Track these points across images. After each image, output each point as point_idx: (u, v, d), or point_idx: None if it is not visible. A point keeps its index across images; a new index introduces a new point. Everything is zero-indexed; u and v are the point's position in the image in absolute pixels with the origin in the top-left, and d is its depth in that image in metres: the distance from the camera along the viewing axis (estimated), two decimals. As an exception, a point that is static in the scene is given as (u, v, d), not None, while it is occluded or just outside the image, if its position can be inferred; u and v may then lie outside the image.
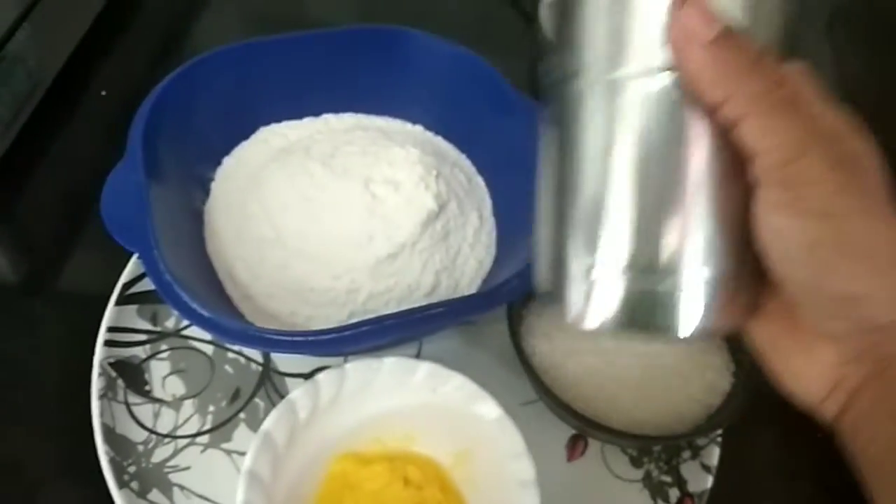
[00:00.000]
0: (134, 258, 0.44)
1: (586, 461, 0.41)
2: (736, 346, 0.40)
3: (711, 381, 0.39)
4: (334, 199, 0.41)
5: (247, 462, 0.35)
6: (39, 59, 0.51)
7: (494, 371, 0.42)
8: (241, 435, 0.40)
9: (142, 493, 0.37)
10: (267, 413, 0.40)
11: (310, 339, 0.34)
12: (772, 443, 0.43)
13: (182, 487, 0.38)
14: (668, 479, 0.40)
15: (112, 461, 0.37)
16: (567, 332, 0.40)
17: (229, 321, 0.34)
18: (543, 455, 0.35)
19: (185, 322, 0.43)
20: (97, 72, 0.57)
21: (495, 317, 0.43)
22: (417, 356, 0.43)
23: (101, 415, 0.39)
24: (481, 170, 0.46)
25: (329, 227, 0.41)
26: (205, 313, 0.34)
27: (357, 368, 0.38)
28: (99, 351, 0.41)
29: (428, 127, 0.48)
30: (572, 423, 0.38)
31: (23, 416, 0.41)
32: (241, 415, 0.41)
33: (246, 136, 0.46)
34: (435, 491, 0.37)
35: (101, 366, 0.40)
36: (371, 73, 0.47)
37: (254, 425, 0.40)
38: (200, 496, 0.38)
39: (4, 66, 0.47)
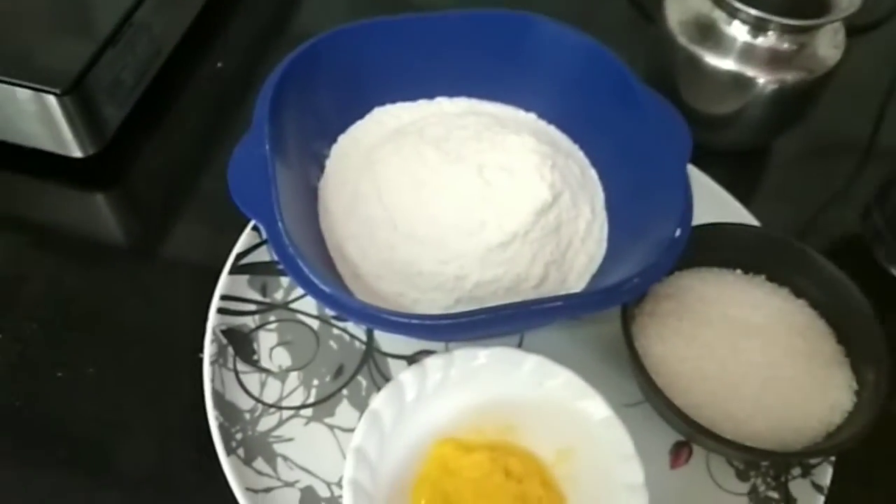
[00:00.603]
0: (247, 229, 0.44)
1: (690, 470, 0.39)
2: (860, 364, 0.38)
3: (833, 398, 0.37)
4: (446, 184, 0.41)
5: (355, 439, 0.35)
6: (163, 28, 0.52)
7: (597, 369, 0.41)
8: (344, 411, 0.40)
9: (247, 461, 0.38)
10: (369, 391, 0.41)
11: (426, 322, 0.34)
12: (889, 465, 0.41)
13: (285, 458, 0.39)
14: (775, 495, 0.38)
15: (221, 427, 0.38)
16: (682, 336, 0.38)
17: (349, 298, 0.34)
18: (645, 460, 0.35)
19: (294, 295, 0.44)
20: (213, 44, 0.58)
21: (600, 316, 0.43)
22: (519, 347, 0.42)
23: (213, 380, 0.39)
24: (595, 162, 0.45)
25: (440, 211, 0.41)
26: (325, 288, 0.34)
27: (463, 356, 0.38)
28: (212, 318, 0.41)
29: (541, 115, 0.47)
30: (681, 428, 0.37)
31: (136, 379, 0.43)
32: (344, 391, 0.41)
33: (361, 116, 0.46)
34: (536, 485, 0.37)
35: (214, 332, 0.41)
36: (488, 58, 0.46)
37: (356, 402, 0.41)
38: (303, 468, 0.38)
39: (132, 32, 0.48)
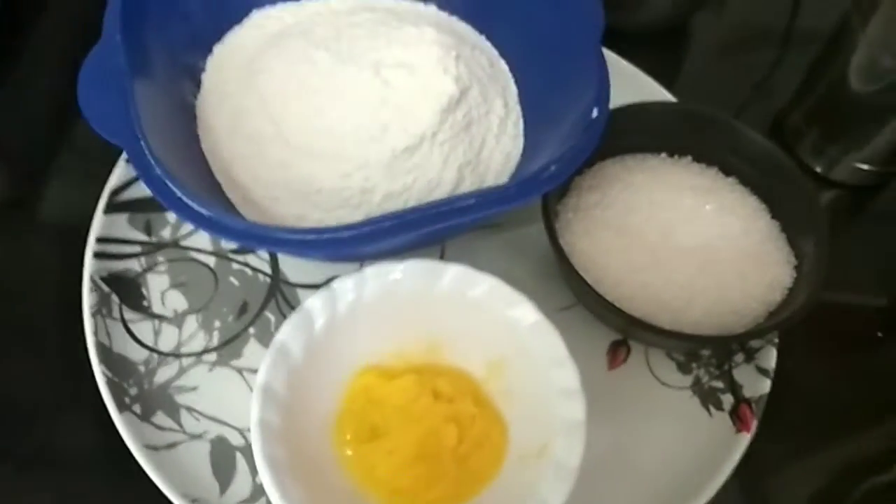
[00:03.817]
0: (121, 161, 0.39)
1: (629, 369, 0.37)
2: (797, 238, 0.36)
3: (772, 275, 0.35)
4: (341, 88, 0.37)
5: (260, 376, 0.31)
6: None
7: (525, 275, 0.38)
8: (253, 351, 0.36)
9: (145, 416, 0.34)
10: (278, 327, 0.37)
11: (324, 236, 0.30)
12: (833, 340, 0.40)
13: (190, 409, 0.35)
14: (719, 384, 0.36)
15: (110, 382, 0.34)
16: (609, 228, 0.36)
17: (232, 219, 0.29)
18: (582, 364, 0.32)
19: (183, 231, 0.39)
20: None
21: (522, 218, 0.40)
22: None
23: (96, 333, 0.35)
24: (504, 54, 0.41)
25: (336, 119, 0.36)
26: (203, 211, 0.29)
27: (377, 273, 0.34)
28: (88, 263, 0.37)
29: (441, 6, 0.42)
30: (616, 324, 0.35)
31: (12, 339, 0.38)
32: (251, 330, 0.37)
33: (238, 21, 0.41)
34: (468, 404, 0.34)
35: (92, 280, 0.36)
36: (376, -54, 0.41)
37: (265, 341, 0.37)
38: (211, 417, 0.35)
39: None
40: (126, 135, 0.31)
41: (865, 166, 0.44)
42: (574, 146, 0.32)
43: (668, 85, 0.45)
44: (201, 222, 0.30)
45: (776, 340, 0.37)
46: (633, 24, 0.47)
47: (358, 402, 0.34)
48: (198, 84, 0.39)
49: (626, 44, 0.43)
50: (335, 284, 0.34)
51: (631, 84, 0.43)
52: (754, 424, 0.35)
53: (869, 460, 0.38)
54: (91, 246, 0.37)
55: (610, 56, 0.43)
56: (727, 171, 0.38)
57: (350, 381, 0.34)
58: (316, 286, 0.38)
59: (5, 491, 0.35)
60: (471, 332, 0.35)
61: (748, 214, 0.37)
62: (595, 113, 0.33)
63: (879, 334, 0.40)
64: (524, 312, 0.34)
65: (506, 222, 0.40)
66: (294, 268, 0.39)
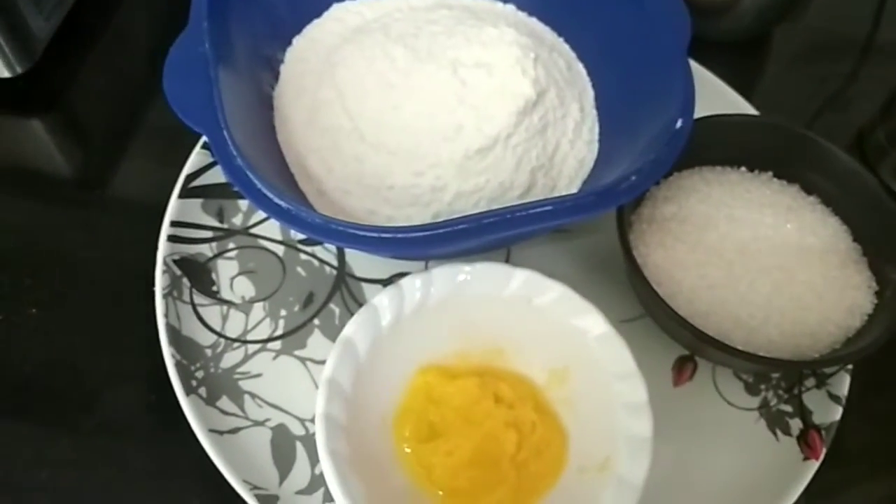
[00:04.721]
0: (197, 147, 0.40)
1: (695, 386, 0.36)
2: (880, 263, 0.35)
3: (851, 299, 0.34)
4: (418, 85, 0.37)
5: (327, 370, 0.31)
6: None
7: (590, 283, 0.37)
8: (316, 342, 0.37)
9: (210, 401, 0.35)
10: (342, 320, 0.37)
11: (398, 235, 0.30)
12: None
13: (253, 395, 0.35)
14: (788, 408, 0.35)
15: (178, 365, 0.35)
16: (684, 242, 0.35)
17: (310, 213, 0.30)
18: (646, 378, 0.32)
19: (255, 219, 0.39)
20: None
21: (590, 225, 0.39)
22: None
23: (166, 315, 0.36)
24: (582, 57, 0.41)
25: (412, 116, 0.36)
26: (282, 203, 0.30)
27: (444, 273, 0.34)
28: (162, 246, 0.37)
29: (521, 6, 0.42)
30: (686, 340, 0.34)
31: (83, 319, 0.39)
32: (316, 321, 0.37)
33: (318, 14, 0.41)
34: (528, 410, 0.34)
35: (165, 262, 0.37)
36: (458, -57, 0.41)
37: (329, 332, 0.37)
38: (273, 405, 0.35)
39: (53, -67, 0.43)
40: (210, 124, 0.31)
41: (951, 191, 0.42)
42: (656, 157, 0.31)
43: (747, 96, 0.44)
44: (279, 214, 0.30)
45: (850, 366, 0.36)
46: (715, 33, 0.46)
47: (418, 399, 0.34)
48: (276, 75, 0.39)
49: (706, 53, 0.42)
50: (403, 283, 0.34)
51: (711, 94, 0.42)
52: (823, 452, 0.34)
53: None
54: (165, 229, 0.38)
55: (691, 65, 0.42)
56: (809, 190, 0.37)
57: (411, 378, 0.34)
58: (381, 281, 0.39)
59: (68, 462, 0.35)
60: (535, 339, 0.35)
61: (829, 235, 0.35)
62: (679, 124, 0.32)
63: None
64: (592, 322, 0.33)
65: (574, 228, 0.40)
66: (360, 262, 0.39)
